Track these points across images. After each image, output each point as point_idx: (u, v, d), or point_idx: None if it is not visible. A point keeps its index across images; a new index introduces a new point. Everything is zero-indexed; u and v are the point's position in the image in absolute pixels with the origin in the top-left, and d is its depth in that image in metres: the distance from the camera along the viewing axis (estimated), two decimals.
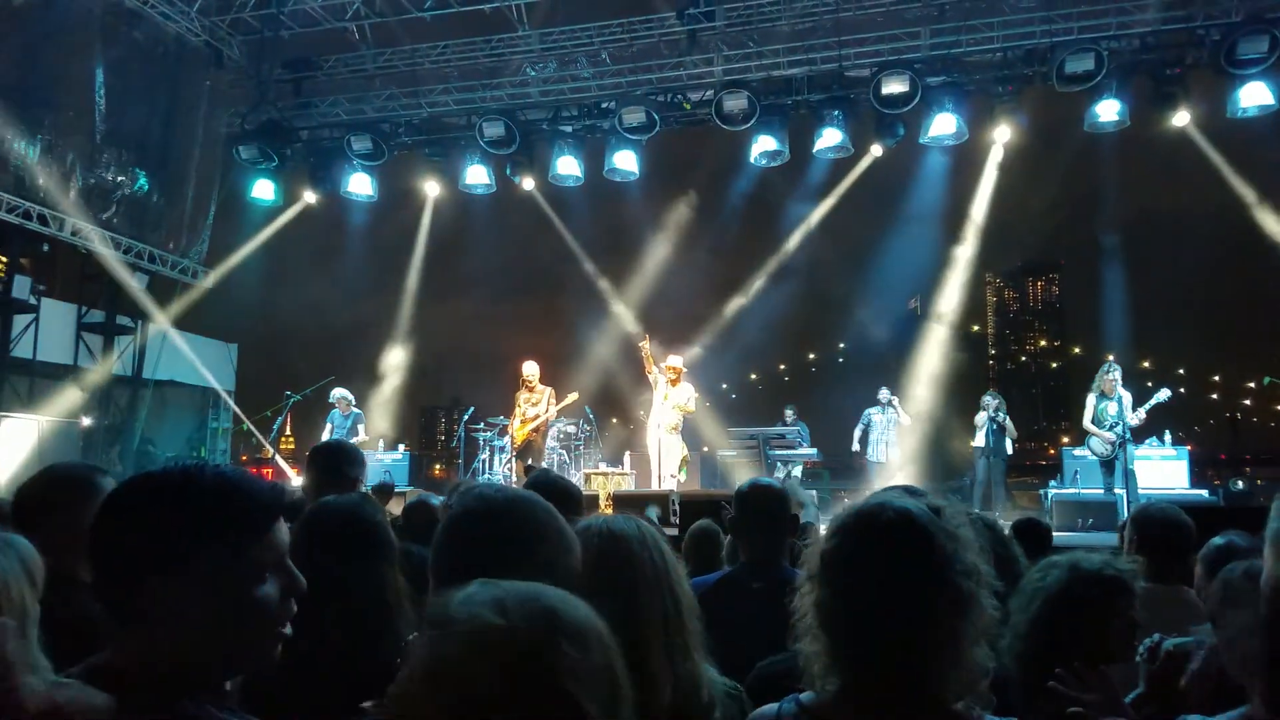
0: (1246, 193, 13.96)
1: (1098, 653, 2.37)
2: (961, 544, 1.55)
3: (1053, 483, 13.91)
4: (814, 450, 13.23)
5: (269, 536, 1.39)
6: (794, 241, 18.43)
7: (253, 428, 14.59)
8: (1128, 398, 11.07)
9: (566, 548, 1.77)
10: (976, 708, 1.55)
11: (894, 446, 13.67)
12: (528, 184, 15.50)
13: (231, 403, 16.90)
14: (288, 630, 1.42)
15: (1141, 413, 11.02)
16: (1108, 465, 11.23)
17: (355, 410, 13.26)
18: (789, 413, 15.05)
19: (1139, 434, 11.82)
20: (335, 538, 2.32)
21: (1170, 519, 3.59)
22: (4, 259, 12.40)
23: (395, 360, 19.06)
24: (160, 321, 14.80)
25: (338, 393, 13.23)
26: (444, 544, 1.77)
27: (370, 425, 14.01)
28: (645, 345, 12.63)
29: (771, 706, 1.70)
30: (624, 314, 19.16)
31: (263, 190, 15.27)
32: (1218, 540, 3.21)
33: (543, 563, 1.64)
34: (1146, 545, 3.46)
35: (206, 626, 1.32)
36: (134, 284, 14.10)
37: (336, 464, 3.69)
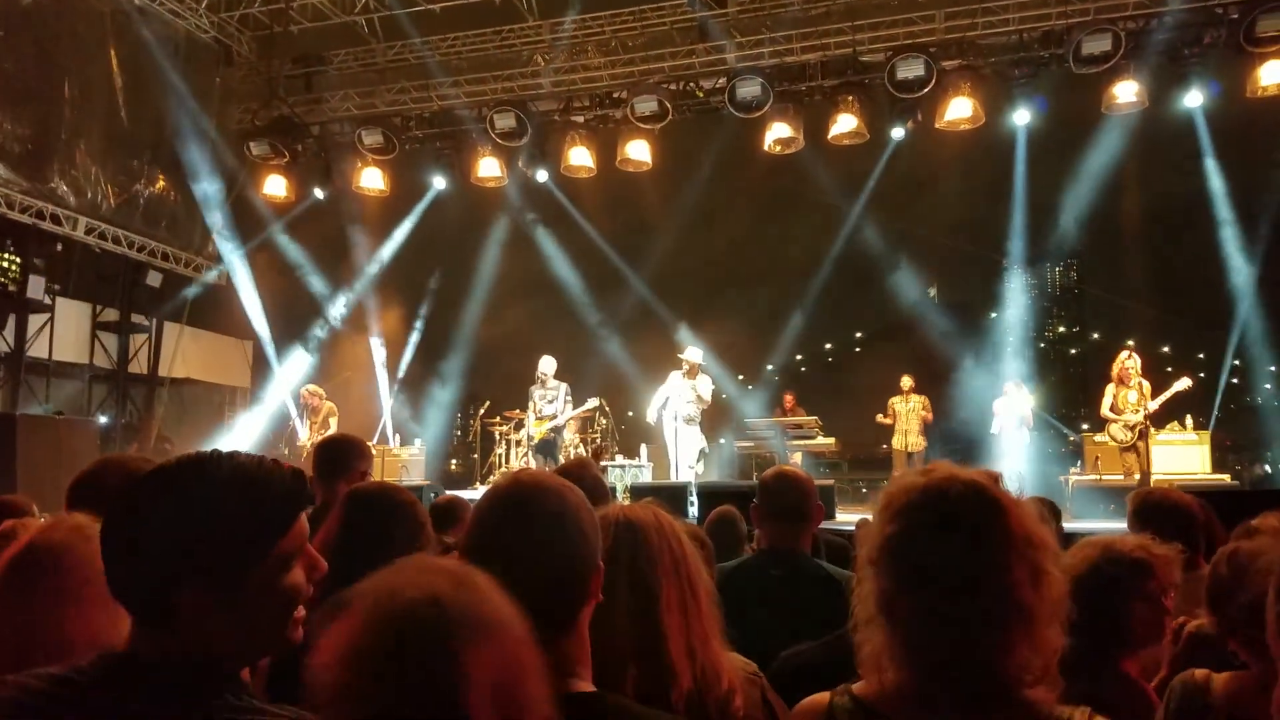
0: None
1: (1126, 635, 2.32)
2: (1028, 514, 1.46)
3: (1073, 469, 13.81)
4: (830, 440, 13.20)
5: (295, 527, 1.38)
6: (810, 229, 18.33)
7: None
8: (1147, 385, 10.97)
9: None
10: (1047, 699, 1.44)
11: (914, 435, 13.61)
12: (540, 176, 15.42)
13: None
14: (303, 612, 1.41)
15: (1157, 402, 10.93)
16: (1129, 451, 11.15)
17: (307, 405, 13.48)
18: (788, 398, 15.00)
19: (1159, 420, 11.72)
20: (372, 519, 2.50)
21: (1170, 504, 3.46)
22: (18, 259, 12.41)
23: (410, 356, 19.08)
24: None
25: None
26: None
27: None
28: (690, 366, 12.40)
29: (820, 697, 1.61)
30: (642, 306, 19.14)
31: (275, 186, 15.24)
32: (1254, 523, 3.13)
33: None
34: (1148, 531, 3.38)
35: (235, 622, 1.32)
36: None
37: (340, 456, 3.84)
